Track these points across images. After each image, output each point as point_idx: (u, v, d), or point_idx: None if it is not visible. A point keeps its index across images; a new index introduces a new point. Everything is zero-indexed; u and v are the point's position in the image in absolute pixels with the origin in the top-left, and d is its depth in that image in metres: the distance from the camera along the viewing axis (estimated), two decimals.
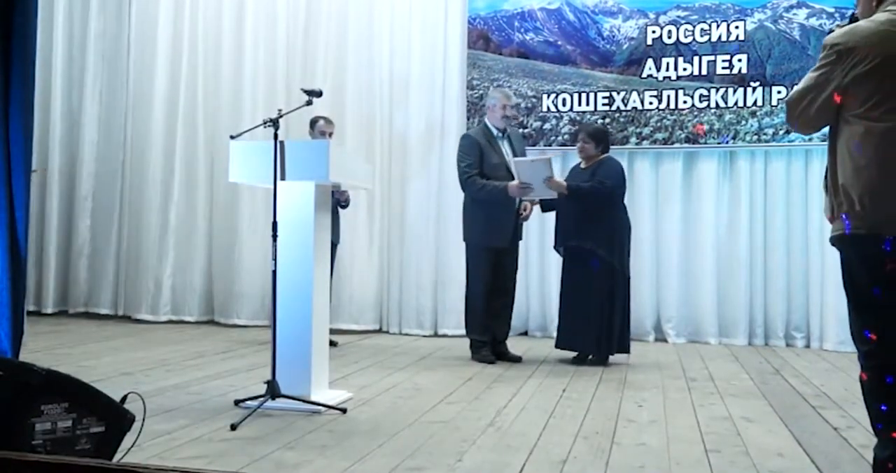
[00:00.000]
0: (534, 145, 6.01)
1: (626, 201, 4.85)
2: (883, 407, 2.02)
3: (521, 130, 5.91)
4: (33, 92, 3.67)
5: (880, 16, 2.06)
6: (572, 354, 4.84)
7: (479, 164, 4.72)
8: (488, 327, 4.84)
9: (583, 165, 4.87)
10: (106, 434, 2.18)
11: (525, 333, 5.98)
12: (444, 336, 5.90)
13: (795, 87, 2.20)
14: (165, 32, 6.59)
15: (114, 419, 2.20)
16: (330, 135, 5.18)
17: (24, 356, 3.66)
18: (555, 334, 4.96)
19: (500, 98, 4.81)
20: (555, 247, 4.95)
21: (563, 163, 5.82)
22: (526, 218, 4.78)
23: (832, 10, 5.60)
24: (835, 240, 2.13)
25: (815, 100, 2.10)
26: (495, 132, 4.83)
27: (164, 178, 6.54)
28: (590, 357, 4.71)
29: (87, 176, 6.77)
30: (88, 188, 6.77)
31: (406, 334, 6.02)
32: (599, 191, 4.61)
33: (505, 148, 4.83)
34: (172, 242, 6.49)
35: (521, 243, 4.97)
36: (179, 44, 6.59)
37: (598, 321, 4.63)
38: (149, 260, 6.49)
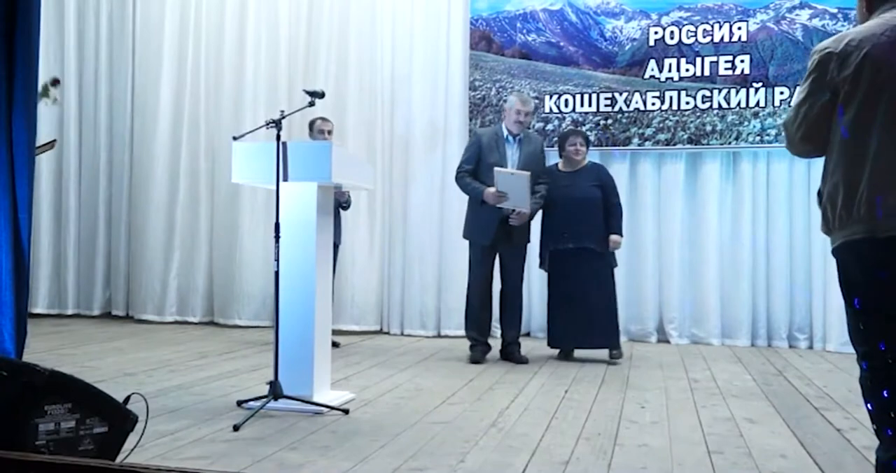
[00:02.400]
0: None
1: (627, 201, 4.99)
2: (869, 406, 2.04)
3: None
4: (37, 93, 3.67)
5: (870, 22, 2.07)
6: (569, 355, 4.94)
7: (476, 162, 4.82)
8: (485, 326, 4.88)
9: (563, 167, 4.97)
10: (109, 435, 2.18)
11: (527, 334, 5.97)
12: (447, 337, 5.90)
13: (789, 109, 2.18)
14: (169, 34, 6.60)
15: (117, 419, 2.20)
16: (329, 132, 5.18)
17: (28, 356, 3.66)
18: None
19: (515, 103, 4.84)
20: (541, 252, 4.98)
21: None
22: (516, 221, 4.75)
23: (835, 10, 5.60)
24: (833, 251, 2.13)
25: (812, 108, 2.06)
26: (505, 134, 4.87)
27: (170, 180, 6.56)
28: (615, 352, 4.85)
29: (104, 180, 6.80)
30: (99, 191, 6.78)
31: (408, 335, 6.03)
32: (622, 212, 4.94)
33: (511, 151, 4.85)
34: (178, 244, 6.51)
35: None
36: (183, 45, 6.61)
37: (616, 314, 4.92)
38: (154, 261, 6.52)
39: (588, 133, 5.69)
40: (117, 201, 6.78)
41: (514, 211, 4.69)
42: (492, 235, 4.76)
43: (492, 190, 4.64)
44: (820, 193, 2.13)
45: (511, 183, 4.59)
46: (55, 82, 5.16)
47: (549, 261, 4.91)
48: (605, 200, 4.86)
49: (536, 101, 6.06)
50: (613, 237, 4.82)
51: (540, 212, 4.93)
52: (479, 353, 4.80)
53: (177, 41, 6.63)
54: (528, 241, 4.94)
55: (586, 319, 4.78)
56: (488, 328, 4.93)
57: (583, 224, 4.78)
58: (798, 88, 2.13)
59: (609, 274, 4.88)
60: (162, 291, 6.48)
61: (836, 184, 2.04)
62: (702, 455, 2.78)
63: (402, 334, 6.07)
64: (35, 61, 3.60)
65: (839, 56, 2.02)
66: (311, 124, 5.28)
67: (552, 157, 5.23)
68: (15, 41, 3.49)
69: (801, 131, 2.11)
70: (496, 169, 4.65)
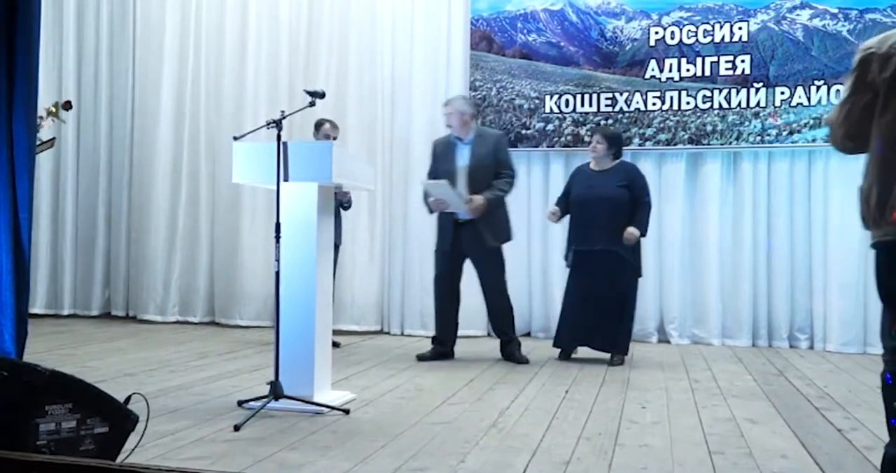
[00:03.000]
0: (536, 146, 6.03)
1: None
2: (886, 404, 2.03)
3: (523, 131, 5.95)
4: (37, 93, 3.68)
5: None
6: (574, 357, 4.92)
7: (435, 170, 4.94)
8: (442, 327, 4.96)
9: (594, 166, 4.90)
10: (110, 435, 2.18)
11: (528, 334, 5.98)
12: None
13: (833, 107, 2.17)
14: (169, 34, 6.61)
15: (118, 419, 2.20)
16: (334, 139, 5.19)
17: (28, 357, 3.66)
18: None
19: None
20: (566, 255, 4.95)
21: (565, 162, 5.89)
22: (474, 214, 4.74)
23: (836, 10, 5.59)
24: (871, 246, 2.11)
25: (854, 107, 2.06)
26: (452, 139, 4.94)
27: (171, 181, 6.56)
28: (615, 358, 4.74)
29: (104, 181, 6.80)
30: (98, 192, 6.78)
31: (408, 335, 6.03)
32: (650, 210, 4.84)
33: (461, 156, 4.87)
34: (179, 245, 6.52)
35: (510, 245, 4.98)
36: (183, 45, 6.61)
37: (630, 321, 4.84)
38: (156, 262, 6.52)
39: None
40: (117, 202, 6.78)
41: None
42: (449, 240, 4.86)
43: (431, 199, 4.80)
44: (861, 189, 2.13)
45: (437, 190, 4.73)
46: (67, 105, 5.19)
47: (571, 260, 4.86)
48: (634, 199, 4.73)
49: (537, 101, 6.05)
50: (629, 229, 4.64)
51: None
52: (428, 351, 4.91)
53: (177, 41, 6.63)
54: (508, 239, 4.92)
55: (594, 319, 4.73)
56: (450, 329, 4.95)
57: (606, 225, 4.66)
58: (843, 86, 2.13)
59: (629, 277, 4.73)
60: (164, 291, 6.48)
61: (871, 184, 2.03)
62: (703, 455, 2.78)
63: (402, 334, 6.07)
64: (35, 61, 3.60)
65: (881, 57, 2.01)
66: (319, 125, 5.28)
67: (556, 157, 5.22)
68: (15, 41, 3.50)
69: (843, 129, 2.12)
70: (421, 181, 4.88)
